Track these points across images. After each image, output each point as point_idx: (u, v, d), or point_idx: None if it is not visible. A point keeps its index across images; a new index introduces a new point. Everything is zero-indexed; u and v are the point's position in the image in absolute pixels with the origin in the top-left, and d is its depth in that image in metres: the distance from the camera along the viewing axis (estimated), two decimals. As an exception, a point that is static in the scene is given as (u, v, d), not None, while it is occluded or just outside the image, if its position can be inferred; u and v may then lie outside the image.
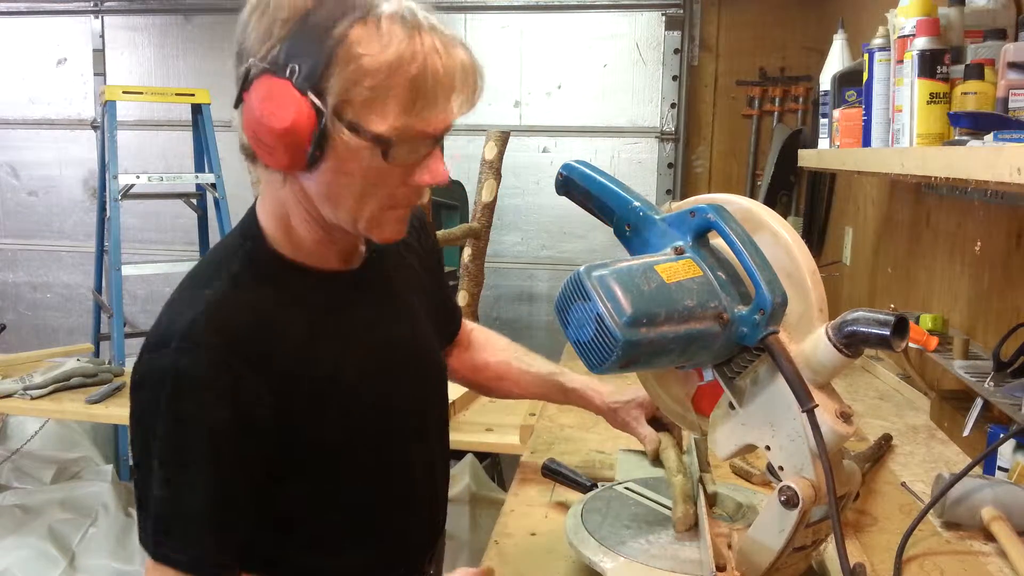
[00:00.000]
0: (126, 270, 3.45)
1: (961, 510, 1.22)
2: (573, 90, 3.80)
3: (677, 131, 3.72)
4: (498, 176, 3.10)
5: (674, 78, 3.68)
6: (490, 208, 3.09)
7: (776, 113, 3.62)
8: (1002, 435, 1.27)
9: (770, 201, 3.44)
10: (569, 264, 3.72)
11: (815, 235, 3.25)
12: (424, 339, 1.12)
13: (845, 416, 0.86)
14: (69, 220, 4.35)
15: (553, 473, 1.33)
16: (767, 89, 3.62)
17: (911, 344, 1.62)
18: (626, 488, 1.18)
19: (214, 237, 3.79)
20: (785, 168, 3.43)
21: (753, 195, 3.58)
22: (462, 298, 3.04)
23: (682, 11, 3.65)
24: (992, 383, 1.45)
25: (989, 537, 1.19)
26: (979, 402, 1.51)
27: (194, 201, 3.84)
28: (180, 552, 0.85)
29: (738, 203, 0.92)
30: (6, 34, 4.27)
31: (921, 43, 1.40)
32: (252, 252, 0.95)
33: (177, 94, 3.72)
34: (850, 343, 0.84)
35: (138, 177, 3.51)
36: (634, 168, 3.75)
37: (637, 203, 0.96)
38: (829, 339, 0.84)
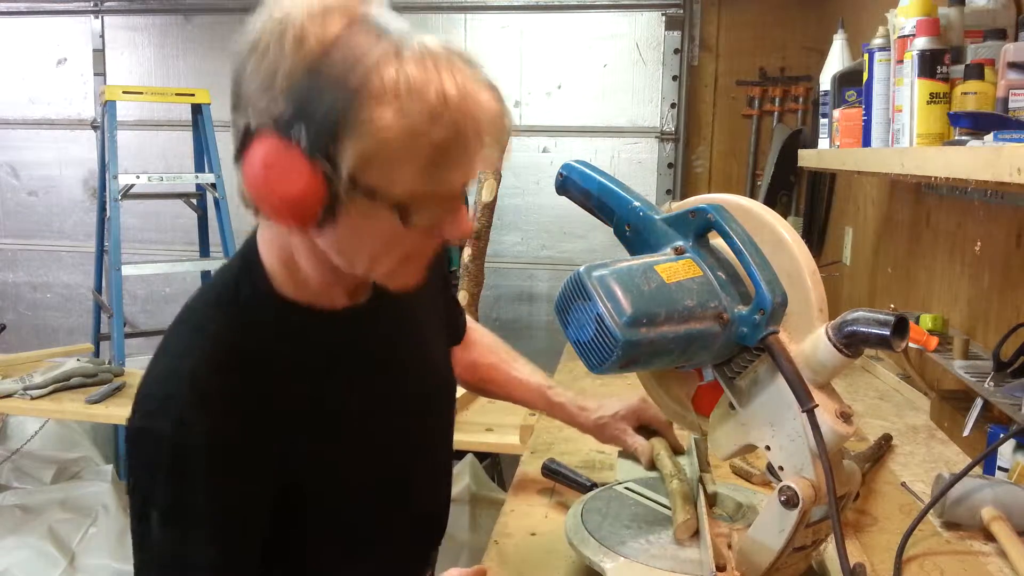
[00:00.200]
0: (126, 270, 3.45)
1: (961, 510, 1.22)
2: (573, 90, 3.80)
3: (677, 131, 3.72)
4: (498, 176, 3.10)
5: (674, 78, 3.68)
6: (490, 208, 3.09)
7: (776, 113, 3.62)
8: (1002, 435, 1.27)
9: (770, 201, 3.44)
10: (569, 264, 3.72)
11: (815, 235, 3.25)
12: (434, 362, 1.10)
13: (845, 416, 0.86)
14: (69, 220, 4.35)
15: (553, 473, 1.33)
16: (767, 89, 3.62)
17: (911, 344, 1.62)
18: (626, 488, 1.18)
19: (214, 237, 3.80)
20: (785, 168, 3.43)
21: (753, 195, 3.58)
22: (462, 298, 3.05)
23: (682, 11, 3.65)
24: (992, 383, 1.45)
25: (989, 537, 1.19)
26: (979, 402, 1.51)
27: (194, 201, 3.84)
28: None
29: (738, 203, 0.92)
30: (6, 34, 4.27)
31: (921, 43, 1.40)
32: (253, 295, 0.89)
33: (177, 94, 3.72)
34: (850, 343, 0.84)
35: (138, 177, 3.51)
36: (634, 168, 3.75)
37: (637, 203, 0.96)
38: (829, 339, 0.84)
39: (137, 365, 3.30)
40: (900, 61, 1.51)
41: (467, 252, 3.08)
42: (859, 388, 1.99)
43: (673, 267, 0.86)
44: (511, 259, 3.88)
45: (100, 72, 4.17)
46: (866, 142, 1.74)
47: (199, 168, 3.72)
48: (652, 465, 1.24)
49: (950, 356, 1.63)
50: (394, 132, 0.73)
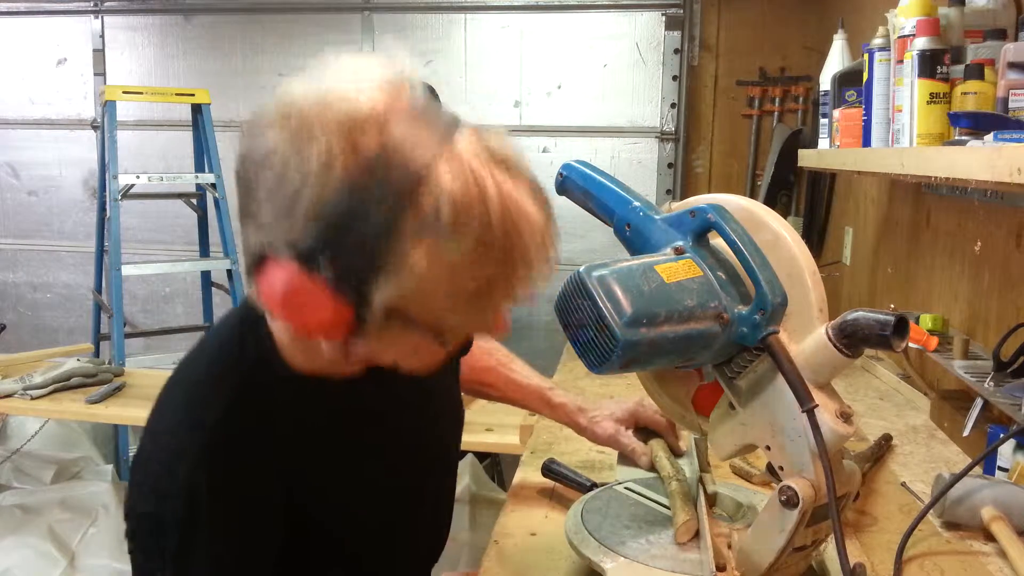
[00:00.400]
0: (126, 270, 3.45)
1: (961, 510, 1.22)
2: (573, 90, 3.80)
3: (677, 131, 3.72)
4: None
5: (674, 78, 3.68)
6: None
7: (776, 113, 3.62)
8: (1002, 435, 1.27)
9: (770, 201, 3.44)
10: (569, 264, 3.69)
11: (815, 235, 3.25)
12: (445, 404, 1.08)
13: (845, 416, 0.86)
14: (69, 220, 4.35)
15: (553, 473, 1.33)
16: (767, 89, 3.62)
17: (911, 344, 1.63)
18: (626, 488, 1.18)
19: (214, 237, 3.80)
20: (785, 168, 3.43)
21: (753, 195, 3.58)
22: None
23: (682, 11, 3.65)
24: (992, 383, 1.45)
25: (989, 537, 1.19)
26: (979, 402, 1.51)
27: (194, 201, 3.85)
28: None
29: (738, 203, 0.92)
30: (6, 34, 4.27)
31: (921, 43, 1.40)
32: (258, 364, 0.82)
33: (177, 94, 3.72)
34: (850, 343, 0.84)
35: (138, 177, 3.52)
36: (634, 168, 3.75)
37: (637, 203, 0.96)
38: (829, 339, 0.84)
39: (137, 365, 3.30)
40: (900, 61, 1.51)
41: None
42: (859, 388, 1.99)
43: (673, 267, 0.86)
44: (511, 259, 3.88)
45: (100, 72, 4.17)
46: (866, 142, 1.74)
47: (199, 168, 3.72)
48: (651, 466, 1.24)
49: (950, 356, 1.63)
50: (434, 272, 0.67)
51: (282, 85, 0.70)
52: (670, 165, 3.74)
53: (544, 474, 1.34)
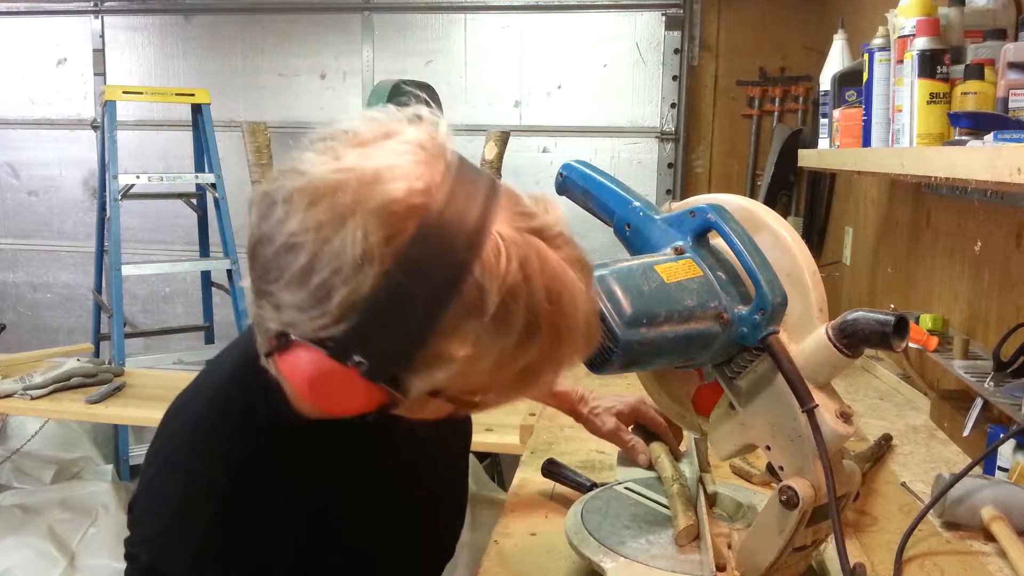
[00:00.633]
0: (126, 270, 3.45)
1: (961, 510, 1.22)
2: (573, 90, 3.80)
3: (677, 131, 3.72)
4: (498, 176, 3.09)
5: (674, 78, 3.68)
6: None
7: (776, 113, 3.62)
8: (1002, 435, 1.27)
9: (770, 201, 3.44)
10: (569, 264, 3.72)
11: (815, 235, 3.25)
12: (456, 427, 1.07)
13: (845, 416, 0.86)
14: (69, 220, 4.35)
15: (553, 473, 1.33)
16: (767, 89, 3.62)
17: (911, 344, 1.62)
18: (626, 488, 1.18)
19: (214, 237, 3.80)
20: (785, 168, 3.43)
21: (753, 195, 3.58)
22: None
23: (682, 11, 3.65)
24: (992, 383, 1.45)
25: (989, 537, 1.19)
26: (979, 402, 1.51)
27: (194, 201, 3.85)
28: None
29: (738, 203, 0.92)
30: (6, 34, 4.27)
31: (921, 43, 1.40)
32: (270, 420, 0.78)
33: (177, 94, 3.72)
34: (850, 343, 0.84)
35: (138, 177, 3.52)
36: (634, 168, 3.76)
37: (637, 203, 0.96)
38: (829, 339, 0.84)
39: (137, 365, 3.30)
40: (900, 61, 1.51)
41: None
42: (859, 388, 1.99)
43: (673, 267, 0.86)
44: (511, 259, 3.88)
45: (100, 72, 4.17)
46: (866, 142, 1.74)
47: (199, 168, 3.72)
48: (650, 465, 1.24)
49: (950, 356, 1.63)
50: (477, 361, 0.63)
51: (303, 158, 0.64)
52: (670, 165, 3.74)
53: (544, 474, 1.34)
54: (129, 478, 3.43)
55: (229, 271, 3.66)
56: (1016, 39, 1.37)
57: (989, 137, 1.16)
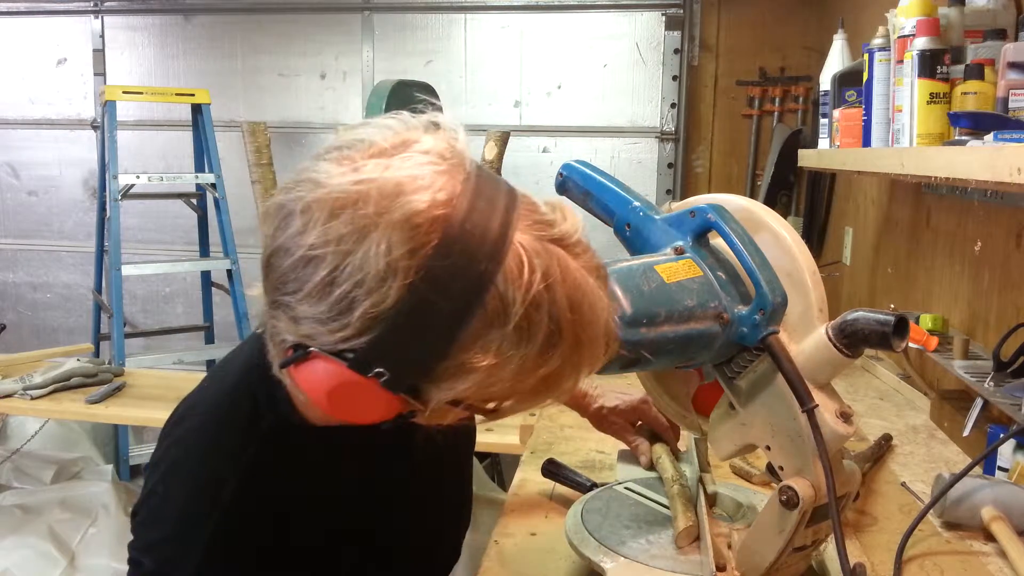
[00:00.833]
0: (126, 270, 3.45)
1: (961, 510, 1.22)
2: (573, 90, 3.80)
3: (677, 131, 3.72)
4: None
5: (674, 78, 3.68)
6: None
7: (776, 113, 3.62)
8: (1002, 435, 1.27)
9: (770, 201, 3.44)
10: (569, 264, 3.71)
11: (815, 235, 3.25)
12: (463, 444, 1.07)
13: (845, 416, 0.86)
14: (69, 220, 4.35)
15: (553, 473, 1.33)
16: (767, 89, 3.62)
17: (911, 344, 1.63)
18: (626, 488, 1.18)
19: (214, 237, 3.80)
20: (785, 168, 3.43)
21: (753, 195, 3.58)
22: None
23: (682, 11, 3.65)
24: (992, 383, 1.45)
25: (989, 537, 1.19)
26: (979, 402, 1.51)
27: (194, 201, 3.85)
28: None
29: (738, 203, 0.92)
30: (6, 34, 4.27)
31: (921, 43, 1.40)
32: (274, 429, 0.78)
33: (177, 94, 3.72)
34: (850, 343, 0.84)
35: (138, 177, 3.52)
36: (634, 168, 3.76)
37: (637, 203, 0.96)
38: (829, 339, 0.84)
39: (137, 365, 3.30)
40: (900, 61, 1.51)
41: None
42: (859, 388, 1.99)
43: (673, 267, 0.86)
44: (511, 259, 3.88)
45: (100, 72, 4.17)
46: (866, 142, 1.74)
47: (199, 168, 3.72)
48: (651, 465, 1.24)
49: (950, 356, 1.63)
50: (497, 371, 0.63)
51: (320, 166, 0.64)
52: (670, 165, 3.74)
53: (544, 474, 1.34)
54: (129, 478, 3.43)
55: (229, 271, 3.66)
56: (1016, 39, 1.37)
57: (989, 137, 1.16)
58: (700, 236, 0.90)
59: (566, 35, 3.78)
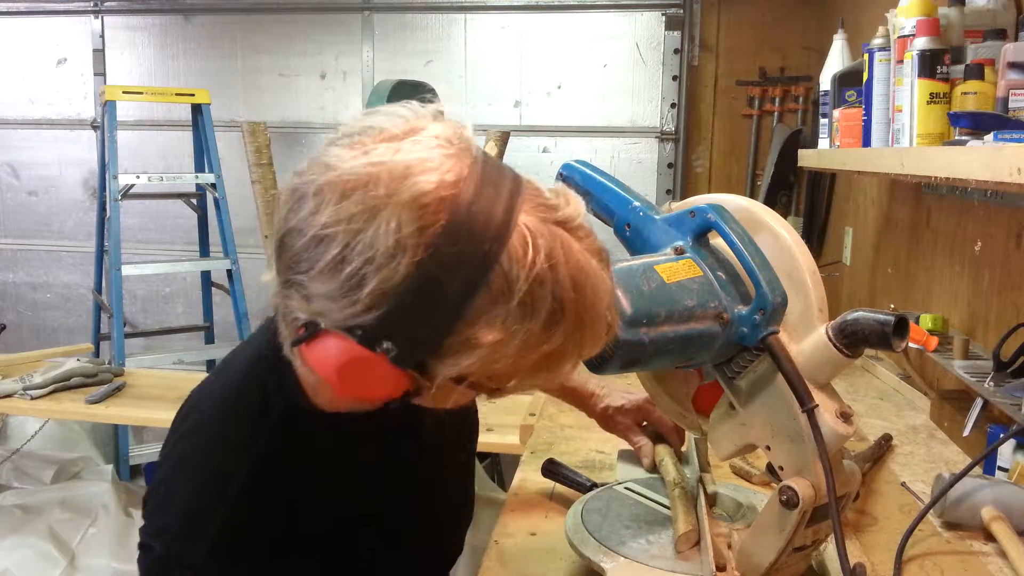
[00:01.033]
0: (126, 270, 3.45)
1: (961, 510, 1.22)
2: (573, 90, 3.80)
3: (677, 131, 3.72)
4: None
5: (674, 78, 3.68)
6: None
7: (776, 113, 3.62)
8: (1002, 435, 1.27)
9: (770, 201, 3.44)
10: (569, 264, 3.71)
11: (815, 235, 3.25)
12: (466, 417, 1.08)
13: (845, 416, 0.86)
14: (69, 220, 4.35)
15: (553, 473, 1.33)
16: (767, 89, 3.62)
17: (911, 344, 1.63)
18: (626, 488, 1.18)
19: (214, 237, 3.80)
20: (785, 168, 3.43)
21: (753, 195, 3.58)
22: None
23: (682, 11, 3.65)
24: (992, 383, 1.45)
25: (989, 537, 1.19)
26: (979, 402, 1.51)
27: (194, 201, 3.85)
28: None
29: (738, 203, 0.92)
30: (6, 34, 4.27)
31: (921, 43, 1.40)
32: (286, 411, 0.79)
33: (177, 94, 3.72)
34: (850, 343, 0.84)
35: (138, 177, 3.52)
36: (634, 168, 3.75)
37: (637, 203, 0.96)
38: (829, 339, 0.84)
39: (137, 365, 3.30)
40: (900, 61, 1.51)
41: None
42: (859, 388, 1.99)
43: (673, 267, 0.87)
44: (511, 259, 3.88)
45: (100, 72, 4.17)
46: (866, 142, 1.74)
47: (199, 168, 3.72)
48: (653, 467, 1.24)
49: (950, 356, 1.63)
50: (502, 347, 0.65)
51: (332, 151, 0.66)
52: (670, 165, 3.74)
53: (544, 474, 1.34)
54: (129, 478, 3.43)
55: (229, 271, 3.66)
56: (1016, 39, 1.37)
57: (989, 137, 1.16)
58: (700, 236, 0.90)
59: (566, 35, 3.78)
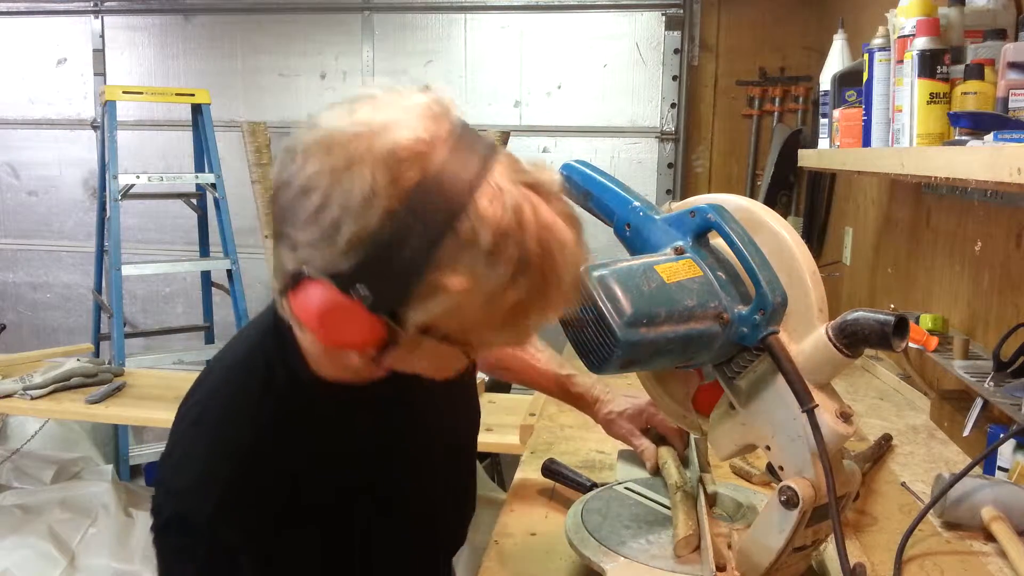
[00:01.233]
0: (126, 270, 3.45)
1: (961, 510, 1.22)
2: (573, 90, 3.80)
3: (677, 131, 3.72)
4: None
5: (674, 78, 3.68)
6: None
7: (776, 113, 3.62)
8: (1002, 435, 1.27)
9: (770, 201, 3.44)
10: (569, 264, 3.72)
11: (815, 235, 3.25)
12: (465, 401, 1.10)
13: (845, 416, 0.86)
14: (69, 220, 4.35)
15: (553, 473, 1.34)
16: (767, 89, 3.62)
17: (911, 344, 1.63)
18: (626, 488, 1.18)
19: (214, 237, 3.80)
20: (785, 168, 3.43)
21: (753, 195, 3.58)
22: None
23: (682, 11, 3.65)
24: (992, 383, 1.45)
25: (989, 537, 1.19)
26: (979, 402, 1.51)
27: (194, 201, 3.85)
28: None
29: (738, 203, 0.92)
30: (6, 34, 4.27)
31: (921, 43, 1.40)
32: (289, 381, 0.83)
33: (177, 94, 3.72)
34: (850, 343, 0.84)
35: (138, 177, 3.52)
36: (634, 168, 3.75)
37: (637, 203, 0.96)
38: (829, 339, 0.84)
39: (137, 365, 3.30)
40: (900, 61, 1.51)
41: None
42: (859, 388, 1.99)
43: (673, 267, 0.87)
44: (511, 259, 3.87)
45: (100, 72, 4.17)
46: (866, 142, 1.74)
47: (199, 168, 3.72)
48: (656, 470, 1.24)
49: (950, 356, 1.63)
50: (469, 296, 0.68)
51: (321, 113, 0.71)
52: (670, 165, 3.74)
53: (544, 474, 1.34)
54: (129, 478, 3.43)
55: (229, 271, 3.65)
56: (1016, 39, 1.37)
57: (989, 137, 1.16)
58: (700, 236, 0.90)
59: (566, 35, 3.78)
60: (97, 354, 3.67)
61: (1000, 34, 1.38)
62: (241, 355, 0.90)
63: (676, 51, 3.66)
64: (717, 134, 3.74)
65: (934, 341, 1.64)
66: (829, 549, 0.99)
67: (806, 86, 3.52)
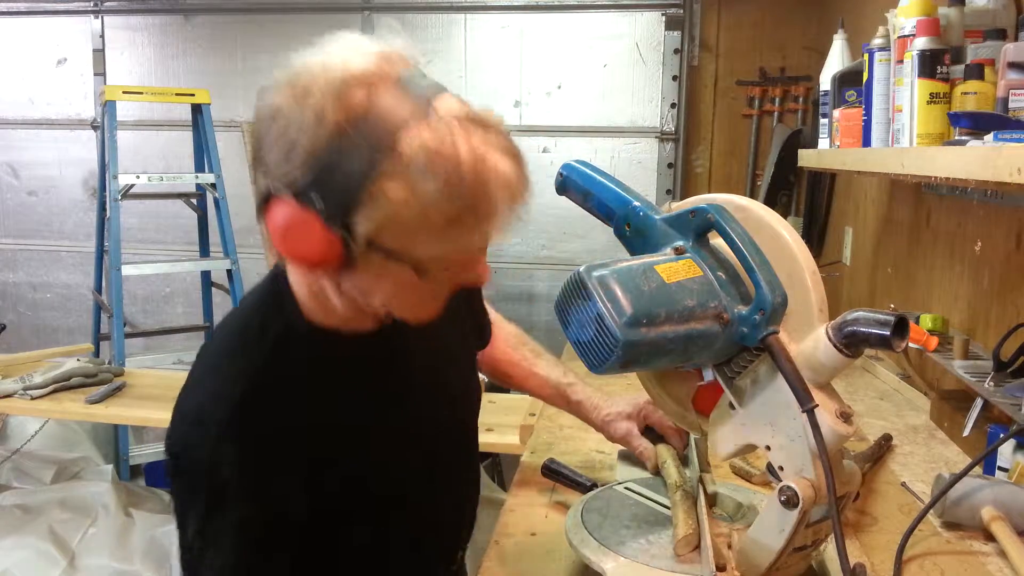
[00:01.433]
0: (126, 270, 3.45)
1: (961, 510, 1.22)
2: (573, 90, 3.80)
3: (677, 131, 3.72)
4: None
5: (674, 78, 3.68)
6: None
7: (776, 113, 3.62)
8: (1002, 435, 1.27)
9: (770, 201, 3.44)
10: (569, 264, 3.72)
11: (815, 235, 3.25)
12: (459, 372, 1.13)
13: (845, 416, 0.86)
14: (69, 220, 4.35)
15: (553, 473, 1.34)
16: (767, 89, 3.62)
17: (911, 344, 1.62)
18: (626, 488, 1.18)
19: (214, 237, 3.80)
20: (785, 168, 3.43)
21: (753, 195, 3.58)
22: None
23: (682, 11, 3.65)
24: (992, 383, 1.45)
25: (989, 537, 1.19)
26: (979, 402, 1.51)
27: (194, 201, 3.85)
28: None
29: (738, 203, 0.92)
30: (6, 34, 4.27)
31: (921, 43, 1.40)
32: (285, 327, 0.90)
33: (177, 94, 3.72)
34: (850, 343, 0.84)
35: (138, 177, 3.52)
36: (634, 168, 3.76)
37: (637, 203, 0.96)
38: (829, 339, 0.84)
39: (137, 365, 3.30)
40: (900, 61, 1.51)
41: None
42: (859, 388, 1.99)
43: (673, 267, 0.87)
44: (511, 259, 3.88)
45: (100, 72, 4.17)
46: (866, 142, 1.74)
47: (199, 168, 3.72)
48: (656, 471, 1.24)
49: (950, 356, 1.63)
50: (408, 206, 0.76)
51: (295, 57, 0.82)
52: (670, 165, 3.74)
53: (544, 474, 1.34)
54: (129, 478, 3.43)
55: (229, 271, 3.65)
56: (1016, 39, 1.37)
57: (989, 137, 1.16)
58: (700, 236, 0.90)
59: (566, 35, 3.78)
60: (97, 354, 3.67)
61: (1000, 34, 1.38)
62: (243, 310, 0.97)
63: (676, 51, 3.66)
64: (717, 134, 3.75)
65: (934, 341, 1.64)
66: (829, 549, 0.99)
67: (806, 86, 3.52)
